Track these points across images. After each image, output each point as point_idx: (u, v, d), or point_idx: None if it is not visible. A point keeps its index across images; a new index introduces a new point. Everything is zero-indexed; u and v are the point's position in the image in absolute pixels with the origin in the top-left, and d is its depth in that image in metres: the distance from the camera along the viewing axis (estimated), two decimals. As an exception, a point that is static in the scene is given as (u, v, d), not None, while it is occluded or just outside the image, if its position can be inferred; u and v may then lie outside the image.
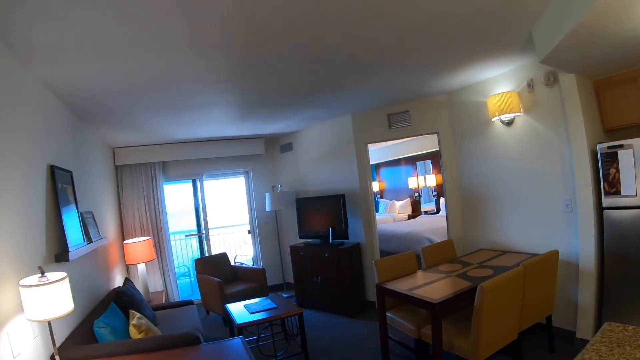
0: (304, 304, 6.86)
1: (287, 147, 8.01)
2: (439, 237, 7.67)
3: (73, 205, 3.87)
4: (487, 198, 5.27)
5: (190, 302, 5.65)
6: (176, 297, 7.41)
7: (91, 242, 4.22)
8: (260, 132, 7.42)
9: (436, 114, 5.75)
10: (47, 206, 3.20)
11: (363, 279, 6.49)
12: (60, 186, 3.49)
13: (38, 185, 3.08)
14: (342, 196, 6.31)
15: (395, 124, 6.04)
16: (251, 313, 4.81)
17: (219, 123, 6.11)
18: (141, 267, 6.21)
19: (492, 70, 4.70)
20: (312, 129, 7.26)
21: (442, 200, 10.31)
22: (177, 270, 8.38)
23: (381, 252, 6.66)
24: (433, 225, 8.53)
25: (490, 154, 5.13)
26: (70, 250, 3.31)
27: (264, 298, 5.52)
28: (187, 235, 8.53)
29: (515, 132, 4.80)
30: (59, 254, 3.22)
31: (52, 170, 3.38)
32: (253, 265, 8.57)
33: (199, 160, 7.85)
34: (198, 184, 8.08)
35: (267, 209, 7.67)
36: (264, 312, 4.82)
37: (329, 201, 6.55)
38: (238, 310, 5.00)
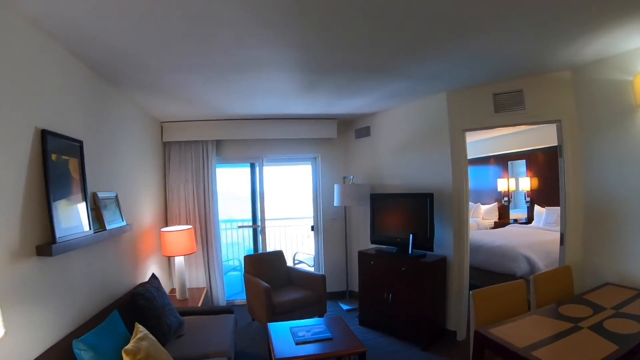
0: (368, 322, 5.73)
1: (364, 132, 6.77)
2: (539, 256, 6.30)
3: (75, 183, 3.06)
4: (625, 216, 3.89)
5: (229, 310, 4.80)
6: (221, 295, 6.64)
7: (103, 229, 3.42)
8: (333, 112, 6.24)
9: (558, 97, 4.42)
10: (28, 182, 2.51)
11: (445, 303, 5.22)
12: (54, 158, 2.80)
13: (16, 153, 2.42)
14: (430, 196, 5.03)
15: (504, 107, 4.70)
16: (296, 343, 3.80)
17: (280, 95, 5.01)
18: (179, 260, 5.40)
19: None
20: (396, 110, 6.00)
21: (536, 208, 8.86)
22: (226, 263, 7.57)
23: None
24: (529, 238, 7.07)
25: (636, 156, 3.75)
26: (57, 240, 2.64)
27: (318, 320, 4.50)
28: (240, 226, 7.49)
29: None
30: (41, 246, 2.55)
31: (44, 136, 2.68)
32: (314, 265, 7.49)
33: (258, 141, 6.84)
34: (257, 169, 7.06)
35: (335, 203, 6.48)
36: (313, 345, 3.79)
37: (412, 201, 5.31)
38: (281, 334, 4.06)
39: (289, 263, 9.07)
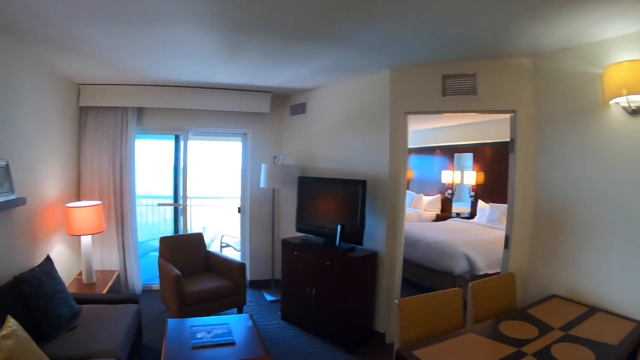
0: (291, 318, 5.22)
1: (300, 109, 6.17)
2: (480, 255, 5.91)
3: None
4: (579, 222, 3.51)
5: (132, 300, 4.22)
6: (136, 279, 6.02)
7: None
8: (265, 83, 5.60)
9: (515, 85, 3.98)
10: None
11: (374, 302, 4.71)
12: None
13: None
14: (363, 183, 4.47)
15: (454, 91, 4.19)
16: (192, 347, 3.24)
17: (203, 59, 4.35)
18: (85, 240, 4.75)
19: (617, 24, 2.95)
20: (335, 87, 5.41)
21: (480, 203, 8.52)
22: (148, 243, 6.94)
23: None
24: (470, 235, 6.68)
25: (596, 156, 3.35)
26: None
27: (224, 319, 3.92)
28: (160, 204, 6.79)
29: (644, 125, 3.02)
30: None
31: None
32: (240, 250, 6.86)
33: (184, 112, 6.11)
34: (182, 142, 6.34)
35: (262, 184, 5.87)
36: (211, 350, 3.26)
37: (343, 187, 4.76)
38: (179, 334, 3.53)
39: (216, 246, 8.61)
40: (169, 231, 6.82)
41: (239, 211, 6.69)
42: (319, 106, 5.74)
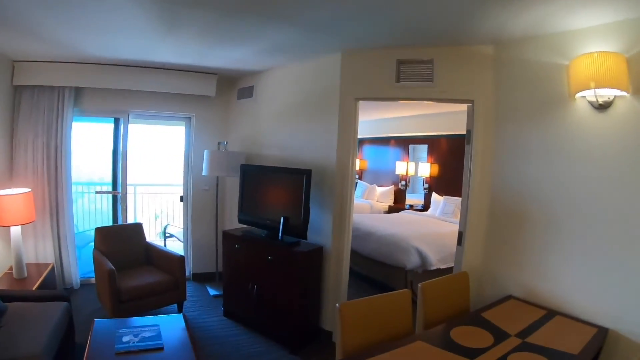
0: (233, 314, 4.96)
1: (247, 93, 5.82)
2: (432, 249, 5.71)
3: None
4: (539, 219, 3.33)
5: (62, 297, 3.85)
6: (74, 273, 5.63)
7: None
8: (210, 64, 5.24)
9: (474, 74, 3.77)
10: None
11: (320, 299, 4.47)
12: None
13: None
14: (307, 173, 4.18)
15: (408, 77, 3.95)
16: (116, 353, 2.93)
17: (139, 34, 3.98)
18: (15, 231, 4.44)
19: (587, 14, 2.79)
20: (283, 70, 5.10)
21: (434, 196, 8.38)
22: (88, 233, 6.50)
23: (352, 254, 4.59)
24: (423, 228, 6.50)
25: (560, 152, 3.18)
26: None
27: (154, 319, 3.60)
28: (97, 192, 6.37)
29: (611, 121, 2.87)
30: None
31: None
32: (184, 241, 6.49)
33: (124, 93, 5.68)
34: (121, 125, 5.91)
35: (204, 172, 5.52)
36: (136, 356, 2.92)
37: (287, 177, 4.48)
38: (104, 336, 3.20)
39: (156, 237, 8.30)
40: (110, 220, 6.38)
41: (182, 200, 6.33)
42: (267, 90, 5.42)
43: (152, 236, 8.35)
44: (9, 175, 5.15)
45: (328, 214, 4.31)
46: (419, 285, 3.06)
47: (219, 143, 5.86)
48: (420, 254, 5.56)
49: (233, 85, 6.16)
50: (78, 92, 5.50)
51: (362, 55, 4.11)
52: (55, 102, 5.28)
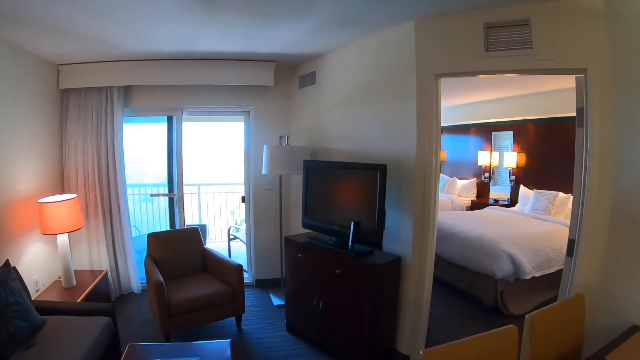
0: (296, 329, 4.39)
1: (309, 79, 5.16)
2: (526, 254, 4.90)
3: None
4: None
5: (104, 312, 3.48)
6: (133, 277, 5.42)
7: None
8: (262, 50, 4.63)
9: (583, 35, 2.91)
10: None
11: (396, 318, 3.76)
12: None
13: None
14: (381, 169, 3.45)
15: (500, 45, 3.16)
16: None
17: (176, 21, 3.58)
18: (61, 239, 4.28)
19: None
20: (347, 49, 4.38)
21: (522, 189, 7.46)
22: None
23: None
24: (513, 229, 5.63)
25: None
26: None
27: (200, 346, 3.10)
28: (152, 195, 5.98)
29: None
30: None
31: None
32: (246, 244, 5.99)
33: (176, 89, 5.31)
34: (175, 123, 5.52)
35: (264, 171, 4.93)
36: None
37: (358, 174, 3.77)
38: None
39: (221, 240, 7.89)
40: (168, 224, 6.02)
41: (243, 200, 5.80)
42: (331, 75, 4.74)
43: (223, 235, 7.99)
44: (60, 180, 5.00)
45: (407, 218, 3.59)
46: (526, 318, 2.30)
47: (280, 137, 5.27)
48: (513, 260, 4.76)
49: (293, 73, 5.54)
50: (128, 91, 5.22)
51: (440, 21, 3.35)
52: (103, 102, 5.03)
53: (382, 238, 3.46)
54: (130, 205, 5.58)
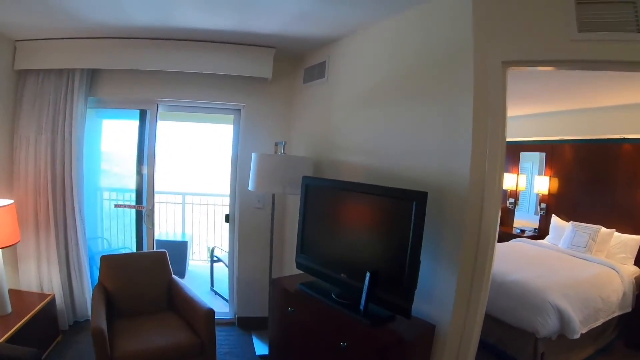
0: None
1: (317, 72, 4.08)
2: (577, 308, 3.91)
3: None
4: None
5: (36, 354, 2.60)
6: (86, 303, 4.43)
7: None
8: (261, 29, 3.57)
9: None
10: None
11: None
12: None
13: None
14: (419, 197, 2.32)
15: (596, 25, 2.17)
16: None
17: None
18: None
19: None
20: (369, 32, 3.32)
21: (554, 220, 6.38)
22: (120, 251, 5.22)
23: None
24: (559, 271, 4.55)
25: None
26: None
27: None
28: (116, 206, 4.93)
29: None
30: None
31: None
32: (229, 269, 4.91)
33: (152, 77, 4.33)
34: (148, 119, 4.51)
35: (250, 186, 3.79)
36: None
37: (381, 202, 2.63)
38: None
39: (206, 258, 7.08)
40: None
41: (227, 220, 4.73)
42: (345, 65, 3.66)
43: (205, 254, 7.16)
44: (9, 181, 4.12)
45: (448, 269, 2.48)
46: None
47: (276, 144, 4.13)
48: (561, 316, 3.76)
49: (297, 64, 4.49)
50: (94, 78, 4.29)
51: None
52: (62, 88, 4.10)
53: (412, 300, 2.33)
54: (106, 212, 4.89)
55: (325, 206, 3.09)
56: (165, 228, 7.35)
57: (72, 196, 4.13)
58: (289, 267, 4.14)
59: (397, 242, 2.41)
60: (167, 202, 7.40)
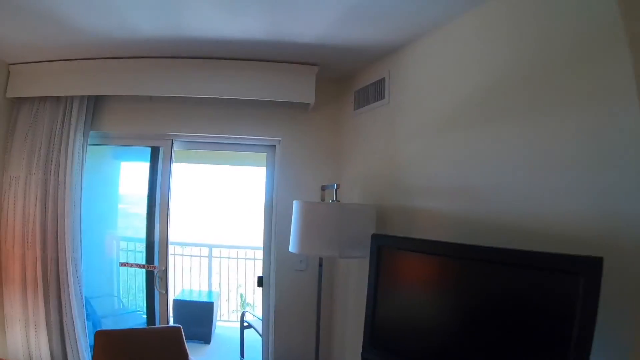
0: None
1: (373, 93, 3.13)
2: None
3: None
4: None
5: None
6: None
7: None
8: (304, 35, 2.71)
9: None
10: None
11: None
12: None
13: None
14: (592, 266, 1.32)
15: None
16: None
17: None
18: None
19: None
20: (450, 29, 2.39)
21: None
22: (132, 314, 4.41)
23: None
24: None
25: None
26: None
27: None
28: (121, 264, 4.07)
29: None
30: None
31: None
32: (263, 341, 3.85)
33: (164, 107, 3.58)
34: (161, 159, 3.70)
35: (291, 247, 2.78)
36: None
37: (522, 276, 1.59)
38: None
39: (235, 319, 6.21)
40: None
41: (260, 283, 3.76)
42: (416, 79, 2.72)
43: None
44: None
45: None
46: None
47: (323, 188, 3.21)
48: None
49: (346, 86, 3.57)
50: (97, 107, 3.56)
51: None
52: (57, 119, 3.42)
53: None
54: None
55: (413, 280, 2.12)
56: (189, 284, 6.51)
57: (65, 250, 3.32)
58: (339, 350, 3.20)
59: (546, 340, 1.42)
60: (191, 255, 6.59)
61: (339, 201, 2.88)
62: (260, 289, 3.79)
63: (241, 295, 6.92)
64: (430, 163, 2.54)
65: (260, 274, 3.78)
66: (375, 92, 3.09)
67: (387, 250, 2.17)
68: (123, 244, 4.36)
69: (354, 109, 3.37)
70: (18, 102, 3.50)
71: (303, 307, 3.49)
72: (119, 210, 4.25)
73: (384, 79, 3.00)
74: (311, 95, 3.23)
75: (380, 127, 3.07)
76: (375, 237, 2.23)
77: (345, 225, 2.52)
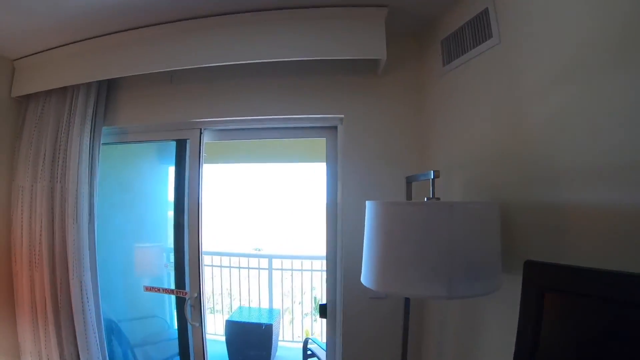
0: None
1: (472, 36, 2.09)
2: None
3: None
4: None
5: None
6: None
7: None
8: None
9: None
10: None
11: None
12: None
13: None
14: None
15: None
16: None
17: None
18: None
19: None
20: None
21: None
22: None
23: None
24: None
25: None
26: None
27: None
28: (146, 289, 3.25)
29: None
30: None
31: None
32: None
33: (188, 84, 2.81)
34: (188, 154, 2.88)
35: (364, 279, 1.72)
36: None
37: None
38: None
39: (294, 339, 5.58)
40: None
41: (322, 314, 2.81)
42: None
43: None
44: (6, 245, 2.93)
45: None
46: None
47: (408, 180, 2.21)
48: None
49: (426, 37, 2.56)
50: (109, 97, 2.94)
51: None
52: (63, 115, 2.84)
53: None
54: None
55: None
56: (247, 300, 5.79)
57: (77, 271, 2.67)
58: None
59: None
60: (248, 267, 5.84)
61: (438, 199, 1.79)
62: (324, 320, 2.87)
63: (315, 299, 6.14)
64: (594, 125, 1.42)
65: (323, 301, 2.84)
66: (475, 32, 2.07)
67: (560, 297, 1.12)
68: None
69: (443, 65, 2.34)
70: (25, 102, 3.02)
71: (380, 346, 2.56)
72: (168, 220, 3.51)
73: (486, 9, 1.98)
74: (381, 48, 2.28)
75: (489, 81, 2.00)
76: (529, 265, 1.20)
77: (458, 240, 1.44)
